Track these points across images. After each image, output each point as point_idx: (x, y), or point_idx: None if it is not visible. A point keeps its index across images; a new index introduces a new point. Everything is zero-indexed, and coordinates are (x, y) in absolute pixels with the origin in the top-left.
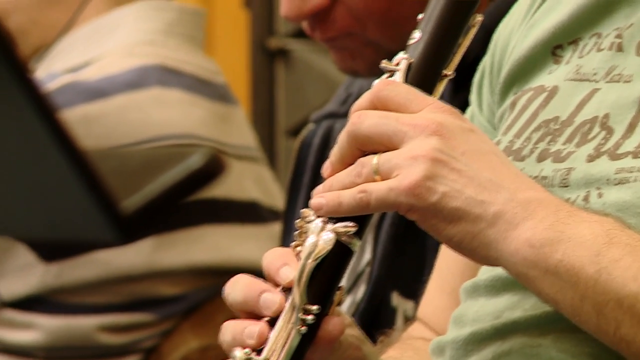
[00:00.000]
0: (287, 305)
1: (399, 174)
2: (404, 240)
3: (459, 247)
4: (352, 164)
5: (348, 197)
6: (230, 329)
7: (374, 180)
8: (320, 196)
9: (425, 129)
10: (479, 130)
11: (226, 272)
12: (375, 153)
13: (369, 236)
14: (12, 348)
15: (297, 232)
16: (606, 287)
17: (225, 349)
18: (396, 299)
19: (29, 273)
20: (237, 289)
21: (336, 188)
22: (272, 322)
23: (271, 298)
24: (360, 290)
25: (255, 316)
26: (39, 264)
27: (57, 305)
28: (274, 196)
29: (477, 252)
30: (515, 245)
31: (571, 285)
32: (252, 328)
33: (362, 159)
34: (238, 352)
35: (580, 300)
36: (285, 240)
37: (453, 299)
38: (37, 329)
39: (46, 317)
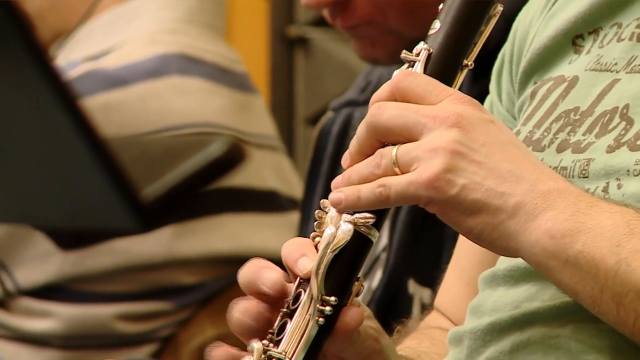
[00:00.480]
0: (305, 296)
1: (418, 167)
2: (420, 228)
3: (479, 238)
4: (371, 155)
5: (367, 191)
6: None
7: (393, 172)
8: (339, 191)
9: (444, 121)
10: (498, 121)
11: (245, 261)
12: (394, 144)
13: (386, 221)
14: (29, 336)
15: (315, 223)
16: (626, 278)
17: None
18: (413, 287)
19: (47, 261)
20: (243, 270)
21: (355, 179)
22: (290, 314)
23: (268, 274)
24: (377, 277)
25: (261, 296)
26: (57, 253)
27: (74, 294)
28: (293, 185)
29: (497, 243)
30: (535, 236)
31: (591, 276)
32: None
33: (381, 150)
34: (256, 344)
35: (600, 291)
36: (304, 229)
37: (471, 288)
38: (54, 317)
39: (63, 305)
